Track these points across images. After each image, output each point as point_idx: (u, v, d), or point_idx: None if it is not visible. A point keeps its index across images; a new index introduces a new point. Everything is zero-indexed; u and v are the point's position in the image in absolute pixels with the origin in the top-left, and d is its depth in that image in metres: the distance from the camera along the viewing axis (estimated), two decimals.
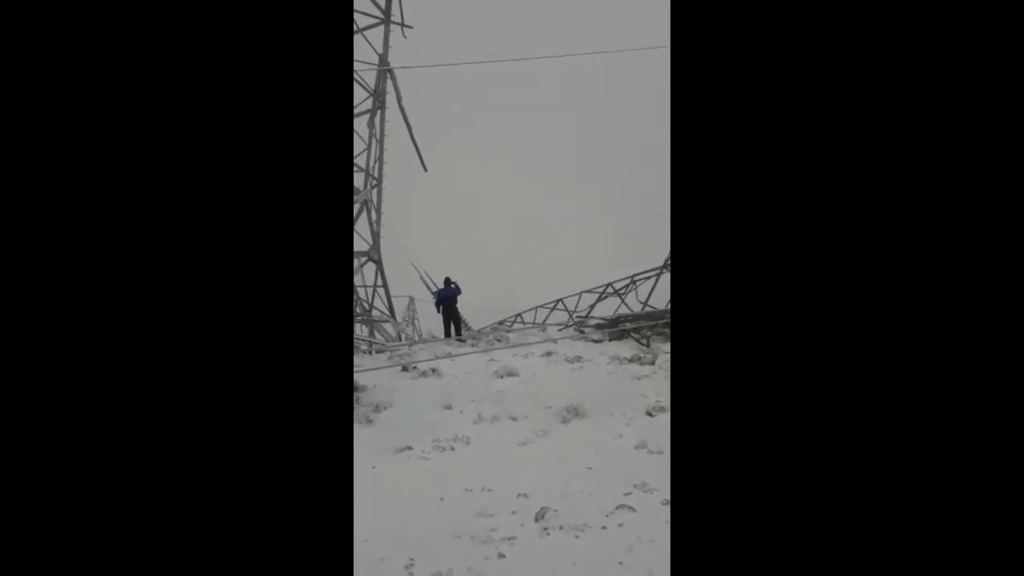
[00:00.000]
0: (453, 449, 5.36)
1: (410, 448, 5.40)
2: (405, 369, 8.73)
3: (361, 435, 6.01)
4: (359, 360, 10.61)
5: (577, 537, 3.44)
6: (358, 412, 6.70)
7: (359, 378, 7.57)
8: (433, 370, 8.37)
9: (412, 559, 3.32)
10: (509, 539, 3.46)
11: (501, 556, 3.29)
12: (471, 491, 4.31)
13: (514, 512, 3.87)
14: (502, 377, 8.21)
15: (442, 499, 4.23)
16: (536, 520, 3.70)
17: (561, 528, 3.55)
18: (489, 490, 4.30)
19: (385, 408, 6.82)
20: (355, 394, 6.99)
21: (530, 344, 10.61)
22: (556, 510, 3.79)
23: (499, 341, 11.64)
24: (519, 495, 4.13)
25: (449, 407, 6.73)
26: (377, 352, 12.48)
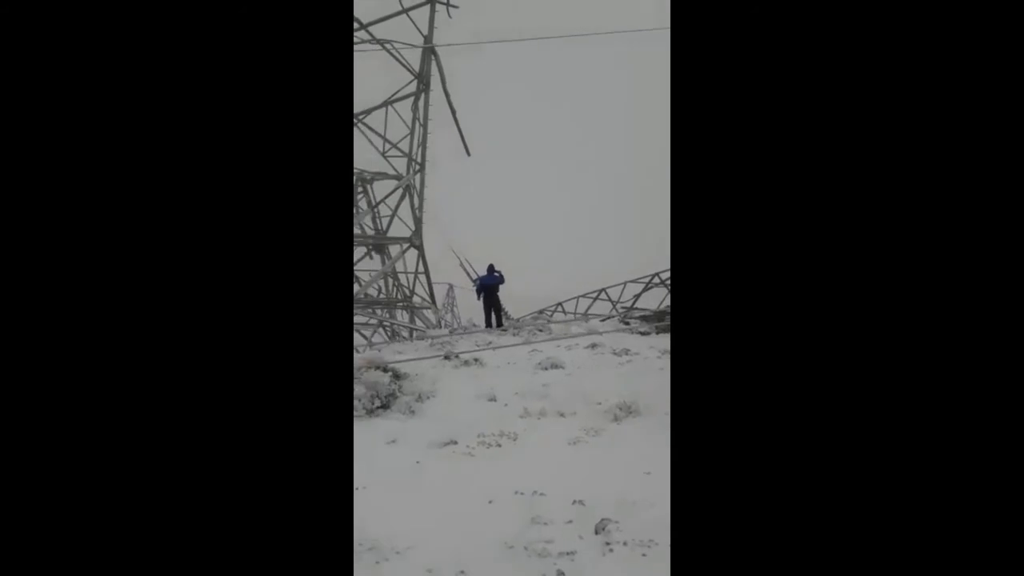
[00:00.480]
0: (499, 446, 5.08)
1: (455, 443, 5.14)
2: (447, 358, 8.51)
3: (405, 426, 5.80)
4: (401, 347, 10.47)
5: (644, 555, 3.10)
6: (401, 401, 6.50)
7: (402, 366, 7.38)
8: (475, 360, 8.11)
9: (462, 572, 3.05)
10: (568, 554, 3.15)
11: (560, 574, 2.97)
12: (522, 494, 4.01)
13: (570, 522, 3.55)
14: (546, 369, 7.90)
15: (491, 502, 3.94)
16: (596, 533, 3.37)
17: (625, 544, 3.21)
18: (541, 494, 3.99)
19: (428, 398, 6.60)
20: (398, 382, 6.79)
21: (574, 335, 10.26)
22: (617, 522, 3.45)
23: (540, 331, 11.32)
24: (574, 501, 3.80)
25: (493, 399, 6.46)
26: (418, 338, 12.35)
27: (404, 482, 4.41)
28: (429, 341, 10.10)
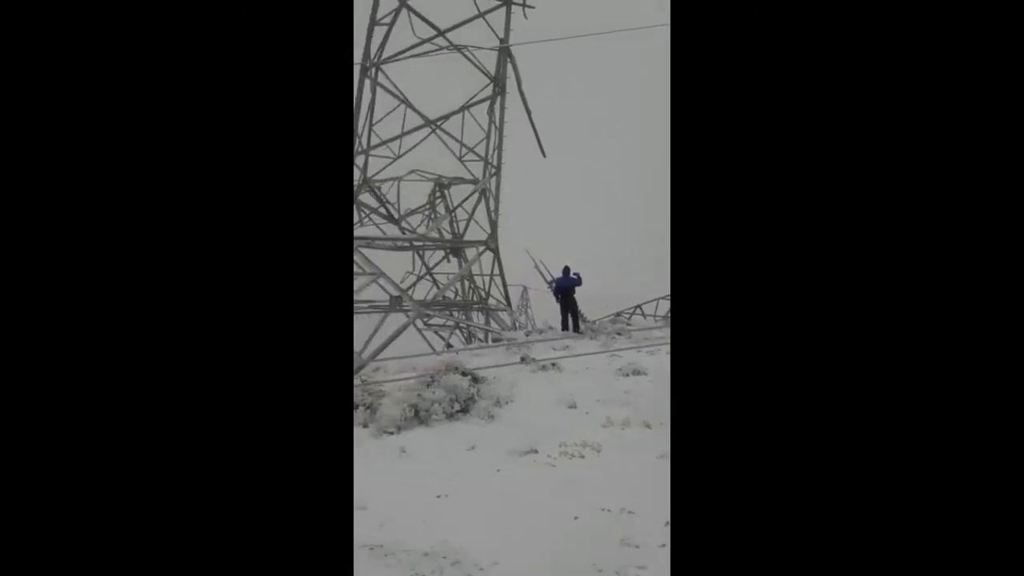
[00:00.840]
0: (583, 457, 4.86)
1: (535, 452, 4.98)
2: (523, 361, 8.38)
3: (484, 432, 5.71)
4: (478, 350, 10.47)
5: None
6: (480, 406, 6.43)
7: (480, 369, 7.32)
8: (552, 364, 7.92)
9: None
10: None
11: None
12: (609, 511, 3.78)
13: (663, 545, 3.28)
14: (628, 375, 7.56)
15: (576, 518, 3.74)
16: None
17: None
18: (630, 512, 3.74)
19: (506, 403, 6.48)
20: (476, 386, 6.72)
21: (656, 340, 9.82)
22: None
23: (619, 335, 10.95)
24: (666, 523, 3.52)
25: (573, 406, 6.24)
26: (494, 341, 12.33)
27: (485, 492, 4.30)
28: (505, 344, 10.02)
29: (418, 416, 6.14)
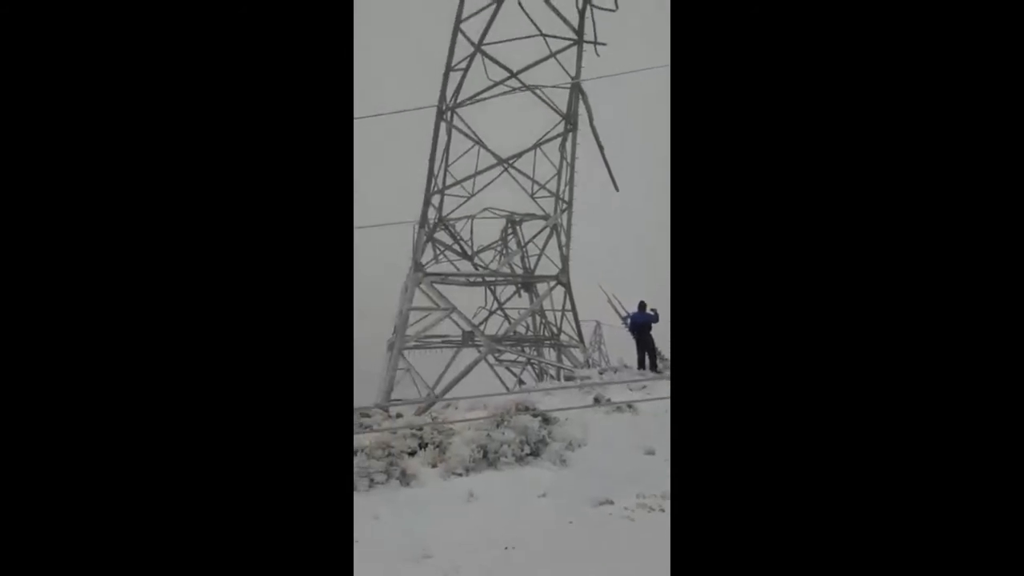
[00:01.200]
0: (663, 511, 4.46)
1: (611, 503, 4.63)
2: (597, 401, 8.02)
3: (556, 478, 5.42)
4: (550, 386, 10.20)
5: None
6: (551, 449, 6.15)
7: (550, 410, 7.06)
8: (629, 405, 7.51)
9: None
10: None
11: None
12: None
13: None
14: None
15: None
16: None
17: None
18: None
19: (579, 447, 6.16)
20: (547, 427, 6.46)
21: None
22: None
23: None
24: None
25: (652, 453, 5.83)
26: (566, 378, 12.01)
27: (557, 545, 4.01)
28: (578, 383, 9.70)
29: (487, 458, 5.94)
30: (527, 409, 6.69)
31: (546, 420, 6.56)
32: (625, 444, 6.10)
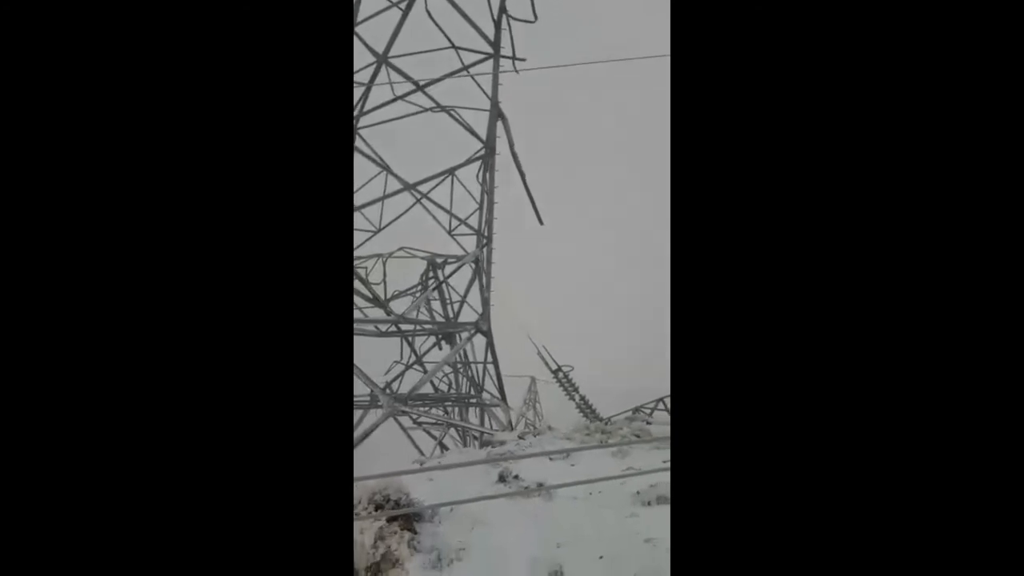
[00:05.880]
0: None
1: None
2: (503, 480, 5.81)
3: None
4: (452, 461, 7.84)
5: None
6: (413, 563, 3.88)
7: (431, 497, 4.78)
8: (540, 484, 5.32)
9: None
10: None
11: None
12: None
13: None
14: (649, 504, 4.96)
15: None
16: None
17: None
18: None
19: (452, 562, 3.89)
20: (412, 537, 4.19)
21: None
22: None
23: (638, 437, 8.27)
24: None
25: (559, 574, 3.62)
26: (483, 445, 9.70)
27: None
28: (488, 450, 7.48)
29: None
30: (387, 501, 4.39)
31: (411, 523, 4.27)
32: (523, 555, 3.88)
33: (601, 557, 3.78)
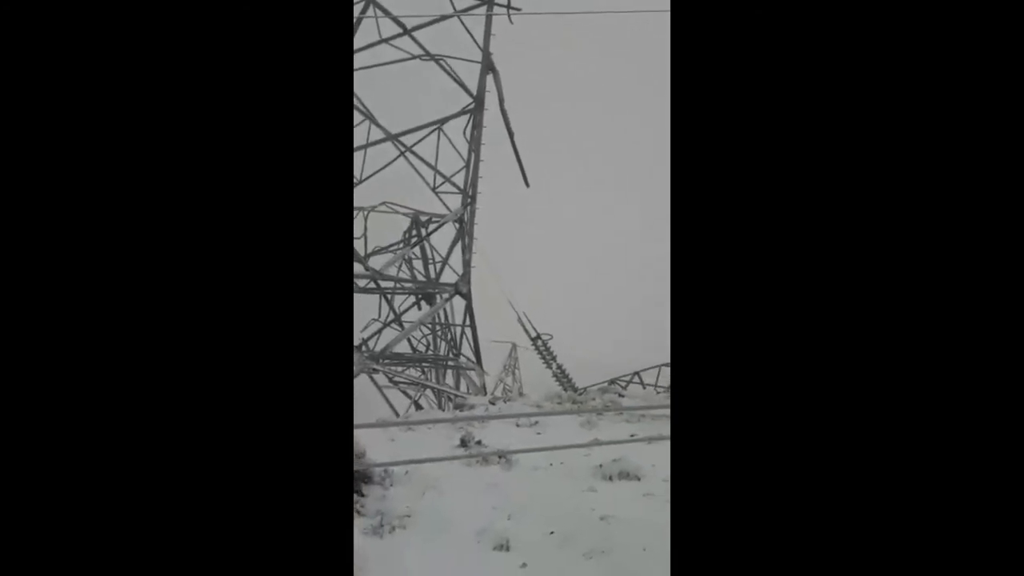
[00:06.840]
0: None
1: None
2: (464, 445, 5.62)
3: None
4: (420, 422, 7.65)
5: None
6: (358, 524, 3.67)
7: (385, 455, 4.56)
8: (501, 456, 5.12)
9: None
10: None
11: None
12: None
13: None
14: (611, 479, 4.79)
15: None
16: None
17: None
18: None
19: (395, 529, 3.68)
20: (361, 487, 3.98)
21: (656, 417, 7.01)
22: None
23: (608, 409, 8.12)
24: None
25: (504, 547, 3.43)
26: (456, 407, 9.54)
27: None
28: (454, 414, 7.30)
29: None
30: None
31: (360, 481, 4.06)
32: (471, 526, 3.68)
33: (552, 532, 3.59)
